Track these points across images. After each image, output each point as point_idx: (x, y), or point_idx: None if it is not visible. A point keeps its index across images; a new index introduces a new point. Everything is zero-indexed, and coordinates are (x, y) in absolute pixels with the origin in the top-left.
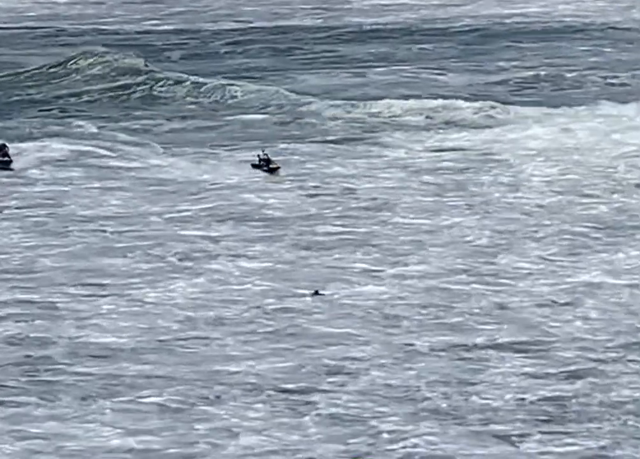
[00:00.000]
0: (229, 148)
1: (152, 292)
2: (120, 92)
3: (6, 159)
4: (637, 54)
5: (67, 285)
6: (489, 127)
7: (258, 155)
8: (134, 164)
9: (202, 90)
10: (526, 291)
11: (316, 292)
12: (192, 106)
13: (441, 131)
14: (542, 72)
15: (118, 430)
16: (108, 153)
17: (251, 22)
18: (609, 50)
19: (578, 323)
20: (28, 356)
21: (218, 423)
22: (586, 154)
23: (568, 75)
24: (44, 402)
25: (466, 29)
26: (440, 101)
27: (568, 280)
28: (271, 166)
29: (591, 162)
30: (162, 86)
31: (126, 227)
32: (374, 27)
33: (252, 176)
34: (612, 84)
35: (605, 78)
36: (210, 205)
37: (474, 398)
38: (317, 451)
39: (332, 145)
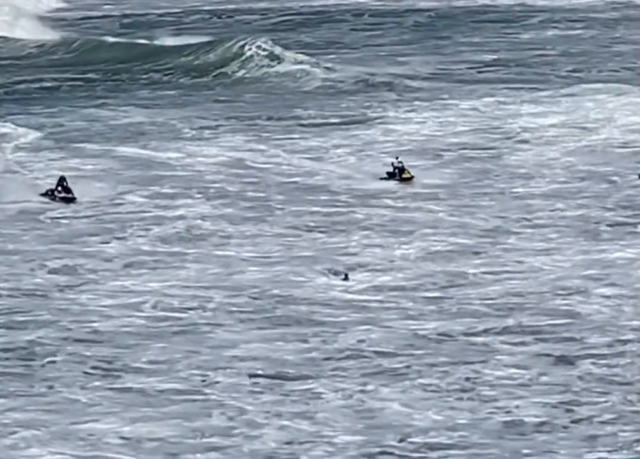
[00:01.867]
0: None
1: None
2: None
3: (70, 195)
4: (604, 37)
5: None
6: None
7: (392, 163)
8: None
9: None
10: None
11: (346, 277)
12: None
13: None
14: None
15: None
16: None
17: None
18: (574, 32)
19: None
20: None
21: (228, 410)
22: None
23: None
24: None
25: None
26: None
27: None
28: (404, 175)
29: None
30: None
31: None
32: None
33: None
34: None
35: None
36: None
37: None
38: (334, 440)
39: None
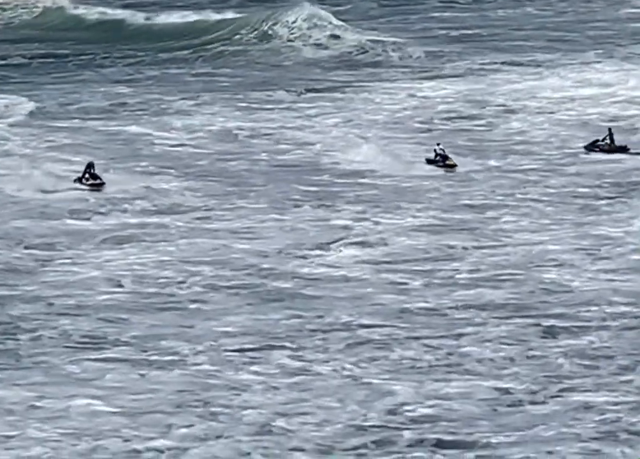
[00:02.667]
0: None
1: None
2: None
3: (98, 181)
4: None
5: (57, 244)
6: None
7: (434, 150)
8: None
9: None
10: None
11: (340, 250)
12: None
13: None
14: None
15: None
16: None
17: None
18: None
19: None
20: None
21: (219, 381)
22: None
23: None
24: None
25: None
26: None
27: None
28: (447, 162)
29: None
30: None
31: None
32: None
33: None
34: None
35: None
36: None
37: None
38: (322, 412)
39: None
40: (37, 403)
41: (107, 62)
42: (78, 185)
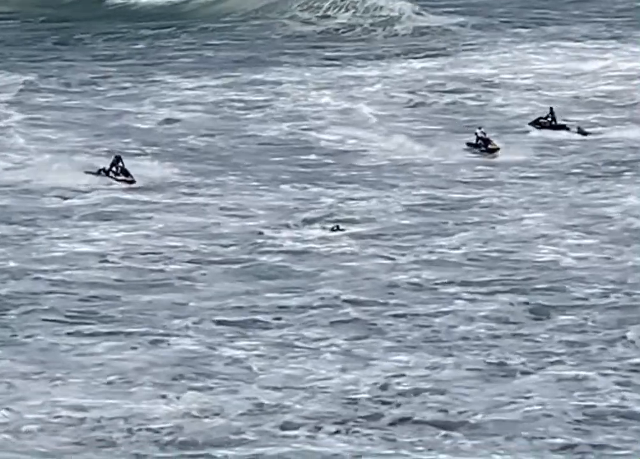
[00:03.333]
0: None
1: None
2: None
3: (129, 178)
4: None
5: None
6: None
7: (476, 133)
8: None
9: None
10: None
11: (337, 227)
12: None
13: None
14: None
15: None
16: None
17: None
18: None
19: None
20: None
21: (209, 358)
22: None
23: None
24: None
25: None
26: None
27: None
28: (490, 146)
29: None
30: None
31: None
32: None
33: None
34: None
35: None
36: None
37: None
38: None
39: None
40: (32, 377)
41: (87, 39)
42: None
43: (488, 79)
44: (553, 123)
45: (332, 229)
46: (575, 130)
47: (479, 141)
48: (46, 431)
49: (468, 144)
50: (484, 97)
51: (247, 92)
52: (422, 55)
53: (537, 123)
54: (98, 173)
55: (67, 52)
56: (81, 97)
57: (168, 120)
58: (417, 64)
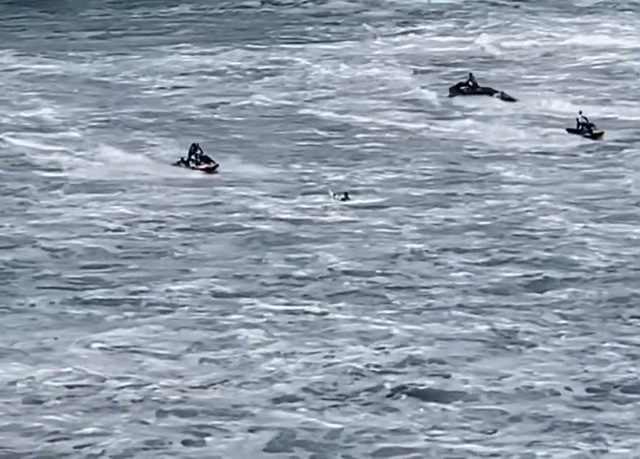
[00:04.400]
0: None
1: None
2: None
3: (211, 164)
4: None
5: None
6: None
7: (577, 119)
8: None
9: None
10: None
11: (346, 196)
12: None
13: None
14: None
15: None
16: None
17: None
18: None
19: None
20: None
21: (206, 325)
22: None
23: None
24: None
25: None
26: None
27: None
28: (594, 131)
29: None
30: None
31: None
32: None
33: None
34: None
35: None
36: None
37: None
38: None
39: None
40: (40, 346)
41: (79, 6)
42: (182, 168)
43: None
44: (475, 88)
45: (342, 199)
46: (499, 95)
47: (581, 127)
48: (58, 400)
49: (569, 130)
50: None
51: (252, 60)
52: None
53: (458, 90)
54: (178, 164)
55: (59, 21)
56: (78, 63)
57: (169, 88)
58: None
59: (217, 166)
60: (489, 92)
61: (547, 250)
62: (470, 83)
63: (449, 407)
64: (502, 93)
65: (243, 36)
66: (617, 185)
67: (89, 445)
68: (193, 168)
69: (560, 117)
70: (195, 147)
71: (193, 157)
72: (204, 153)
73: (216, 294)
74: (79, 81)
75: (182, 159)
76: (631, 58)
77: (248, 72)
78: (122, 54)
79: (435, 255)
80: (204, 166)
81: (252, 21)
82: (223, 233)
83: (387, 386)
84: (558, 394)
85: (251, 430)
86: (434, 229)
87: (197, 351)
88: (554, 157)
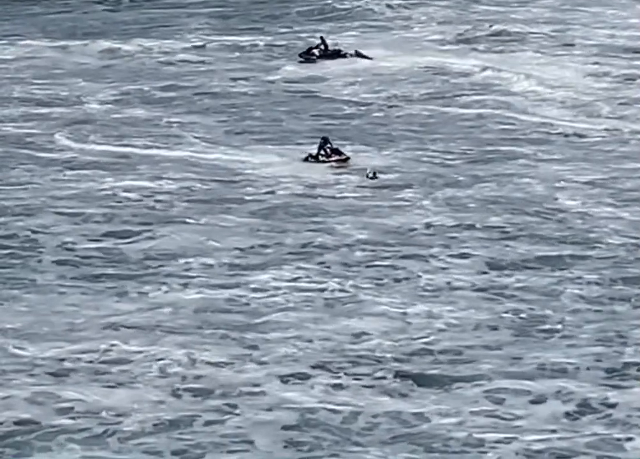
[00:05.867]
0: None
1: None
2: None
3: (344, 156)
4: None
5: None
6: None
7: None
8: None
9: None
10: None
11: (374, 175)
12: None
13: None
14: None
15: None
16: None
17: None
18: None
19: None
20: None
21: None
22: None
23: None
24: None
25: None
26: None
27: None
28: None
29: None
30: None
31: None
32: None
33: None
34: None
35: None
36: None
37: None
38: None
39: None
40: (63, 322)
41: None
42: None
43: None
44: (326, 51)
45: (369, 177)
46: (354, 53)
47: None
48: (82, 376)
49: None
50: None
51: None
52: None
53: (310, 54)
54: (306, 159)
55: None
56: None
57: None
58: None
59: (349, 158)
60: (342, 53)
61: (568, 228)
62: (322, 46)
63: (468, 391)
64: (356, 51)
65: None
66: None
67: (112, 423)
68: (324, 162)
69: None
70: (325, 141)
71: (323, 151)
72: (335, 146)
73: (231, 265)
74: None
75: (310, 154)
76: None
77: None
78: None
79: (448, 230)
80: (335, 158)
81: None
82: (231, 205)
83: (407, 368)
84: (582, 374)
85: (269, 409)
86: (449, 204)
87: (215, 328)
88: None
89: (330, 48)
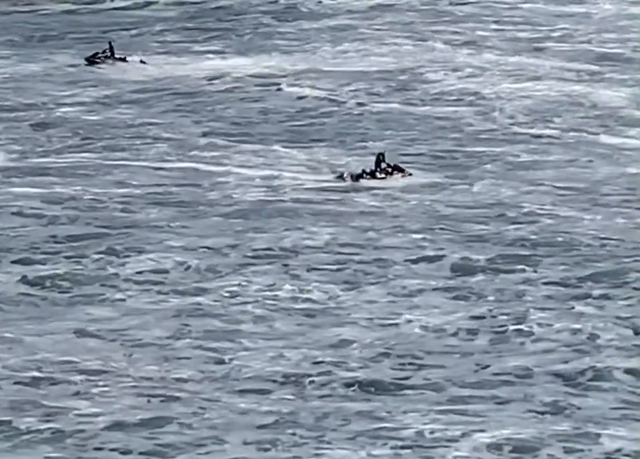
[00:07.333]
0: None
1: None
2: None
3: (406, 174)
4: None
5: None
6: None
7: None
8: None
9: None
10: None
11: (356, 178)
12: None
13: None
14: None
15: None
16: None
17: None
18: None
19: None
20: None
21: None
22: None
23: None
24: None
25: None
26: None
27: None
28: None
29: None
30: None
31: None
32: None
33: None
34: None
35: None
36: None
37: None
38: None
39: None
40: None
41: None
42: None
43: None
44: (111, 56)
45: (346, 179)
46: (138, 61)
47: None
48: (43, 378)
49: None
50: None
51: None
52: None
53: (96, 58)
54: (360, 177)
55: None
56: None
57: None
58: None
59: (411, 174)
60: (126, 59)
61: (536, 229)
62: (107, 52)
63: (434, 395)
64: (141, 60)
65: None
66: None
67: (79, 423)
68: (384, 178)
69: None
70: (380, 156)
71: (380, 167)
72: (393, 163)
73: (204, 270)
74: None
75: (364, 170)
76: None
77: None
78: None
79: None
80: (399, 176)
81: None
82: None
83: (374, 374)
84: (547, 375)
85: (242, 413)
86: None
87: (184, 335)
88: None
89: (116, 55)
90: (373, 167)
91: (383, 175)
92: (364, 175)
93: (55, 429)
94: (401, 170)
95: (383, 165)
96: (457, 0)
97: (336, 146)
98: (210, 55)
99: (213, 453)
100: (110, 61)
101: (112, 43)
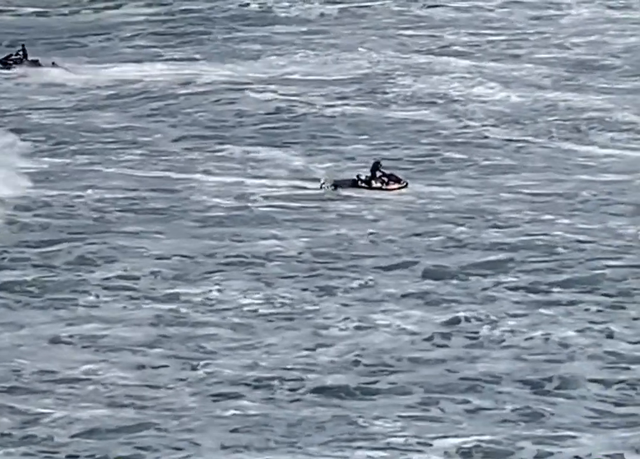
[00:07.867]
0: None
1: None
2: None
3: (402, 184)
4: None
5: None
6: None
7: None
8: None
9: None
10: None
11: (335, 187)
12: None
13: None
14: None
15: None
16: None
17: None
18: None
19: None
20: None
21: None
22: None
23: None
24: None
25: None
26: None
27: None
28: None
29: None
30: None
31: None
32: None
33: None
34: None
35: None
36: None
37: None
38: None
39: None
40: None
41: None
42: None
43: None
44: (24, 60)
45: (325, 187)
46: (50, 64)
47: None
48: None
49: None
50: None
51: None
52: None
53: (9, 60)
54: (355, 184)
55: None
56: None
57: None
58: None
59: (407, 184)
60: (39, 62)
61: (508, 235)
62: (20, 55)
63: (406, 399)
64: (53, 62)
65: None
66: None
67: (51, 428)
68: (381, 189)
69: None
70: (376, 165)
71: (375, 176)
72: (388, 172)
73: (177, 277)
74: None
75: (359, 177)
76: None
77: None
78: None
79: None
80: (395, 185)
81: None
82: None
83: (345, 379)
84: (515, 383)
85: (217, 417)
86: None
87: (156, 340)
88: None
89: (30, 58)
90: (369, 175)
91: (379, 184)
92: (360, 183)
93: (29, 435)
94: (397, 180)
95: (378, 174)
96: (432, 2)
97: (310, 151)
98: (173, 61)
99: (189, 458)
100: (23, 64)
101: (25, 45)
